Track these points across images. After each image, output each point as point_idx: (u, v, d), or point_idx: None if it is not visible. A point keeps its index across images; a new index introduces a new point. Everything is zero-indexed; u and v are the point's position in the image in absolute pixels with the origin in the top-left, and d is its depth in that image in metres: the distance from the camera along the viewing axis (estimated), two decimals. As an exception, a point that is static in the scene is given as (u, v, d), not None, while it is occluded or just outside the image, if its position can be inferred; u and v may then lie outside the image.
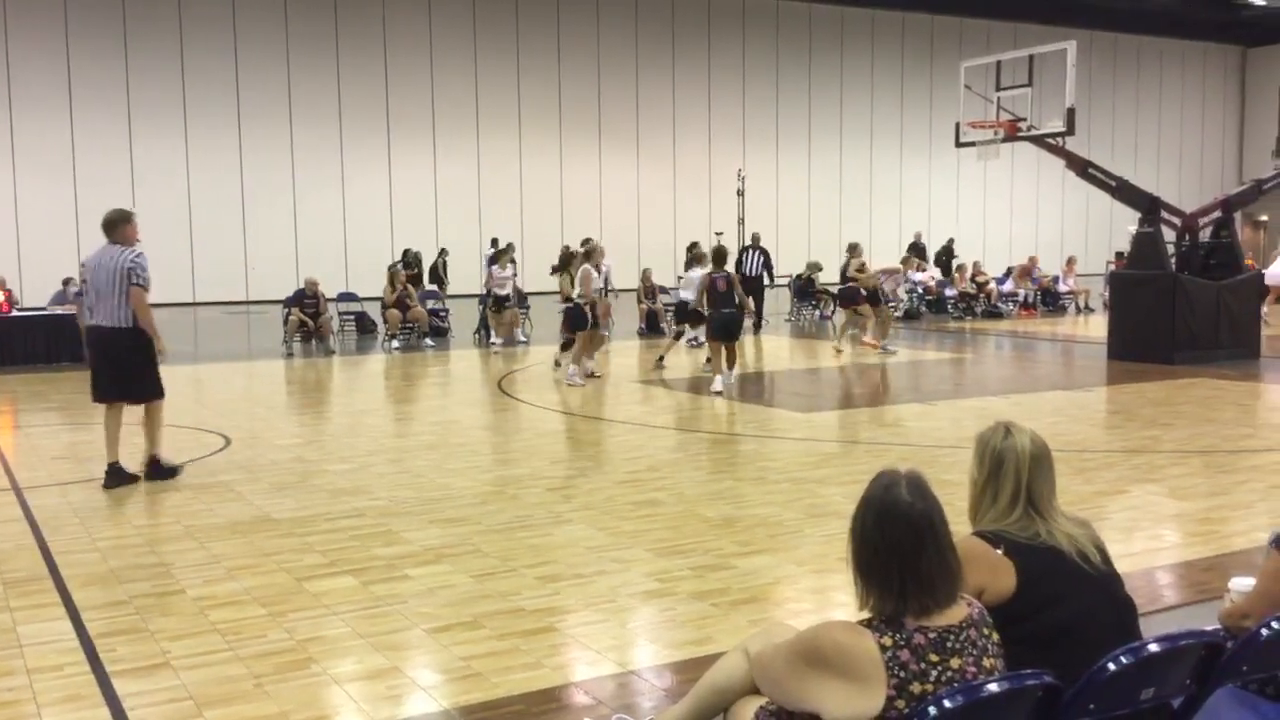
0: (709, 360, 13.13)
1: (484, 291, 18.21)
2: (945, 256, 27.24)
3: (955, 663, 2.48)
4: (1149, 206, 15.34)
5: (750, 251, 20.60)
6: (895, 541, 2.51)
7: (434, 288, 22.93)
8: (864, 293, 16.40)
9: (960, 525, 2.81)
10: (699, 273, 13.82)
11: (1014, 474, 2.95)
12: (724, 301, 12.48)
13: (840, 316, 17.81)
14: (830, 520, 6.60)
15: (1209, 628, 3.00)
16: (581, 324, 13.28)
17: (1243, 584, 3.38)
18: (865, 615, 2.59)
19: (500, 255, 17.44)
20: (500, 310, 17.35)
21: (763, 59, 33.70)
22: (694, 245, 15.83)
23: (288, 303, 18.15)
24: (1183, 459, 8.51)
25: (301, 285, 18.49)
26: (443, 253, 23.94)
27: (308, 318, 17.64)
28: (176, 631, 4.85)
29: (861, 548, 2.57)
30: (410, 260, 22.89)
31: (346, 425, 10.73)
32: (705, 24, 32.83)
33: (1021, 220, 37.42)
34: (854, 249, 16.98)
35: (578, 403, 11.77)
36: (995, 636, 2.61)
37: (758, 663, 2.86)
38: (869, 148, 35.48)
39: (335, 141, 28.63)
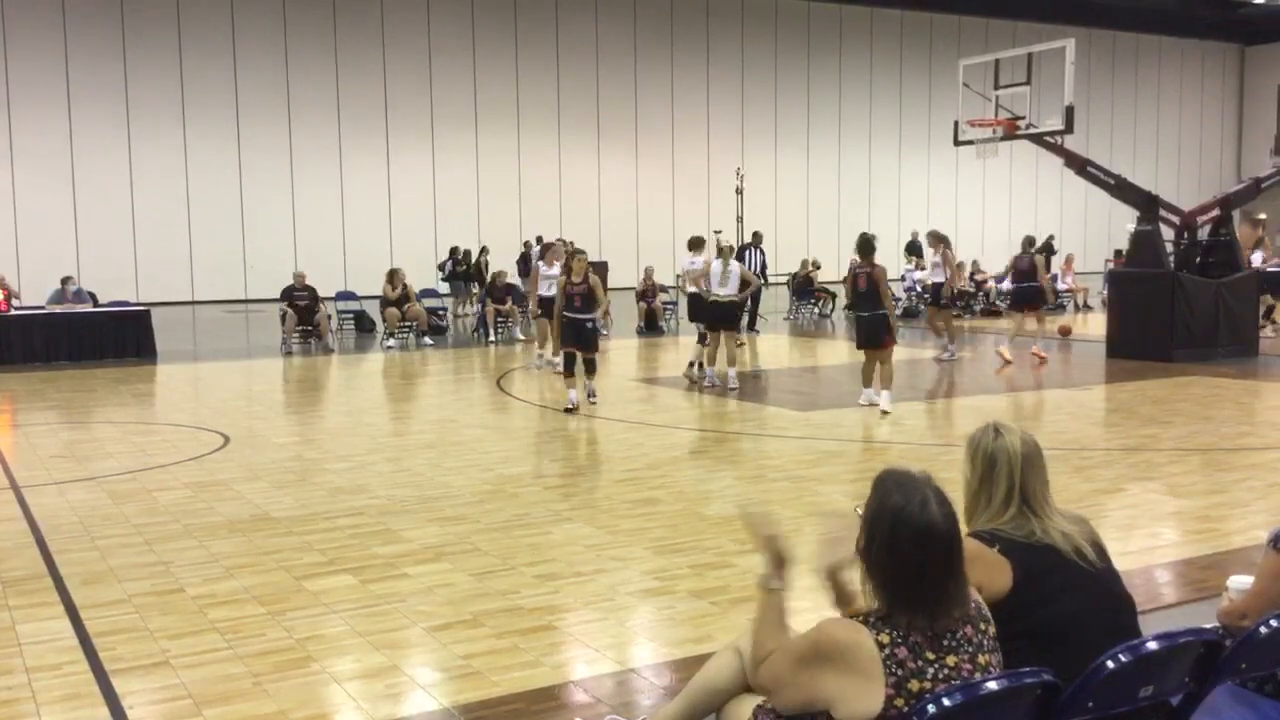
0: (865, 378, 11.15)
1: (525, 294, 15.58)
2: (1045, 253, 27.36)
3: (951, 660, 2.48)
4: (1147, 204, 15.34)
5: (751, 250, 20.58)
6: (930, 564, 2.49)
7: (475, 286, 23.00)
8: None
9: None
10: (734, 266, 12.49)
11: (1007, 474, 2.95)
12: (865, 302, 10.88)
13: (1018, 322, 15.49)
14: (829, 519, 6.60)
15: (1208, 626, 3.01)
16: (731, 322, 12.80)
17: (1241, 582, 3.39)
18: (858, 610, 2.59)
19: (547, 250, 14.91)
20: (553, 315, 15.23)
21: (761, 57, 33.68)
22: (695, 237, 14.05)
23: (281, 299, 18.07)
24: (1181, 457, 8.51)
25: (292, 281, 18.33)
26: (484, 251, 23.72)
27: (300, 310, 17.57)
28: (175, 630, 4.85)
29: (890, 562, 2.52)
30: (460, 258, 22.76)
31: (345, 424, 10.73)
32: (704, 22, 32.81)
33: (1020, 218, 37.39)
34: (1035, 244, 15.56)
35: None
36: (992, 630, 2.60)
37: (764, 682, 2.79)
38: (868, 146, 35.48)
39: (334, 140, 28.60)
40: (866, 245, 10.94)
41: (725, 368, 12.40)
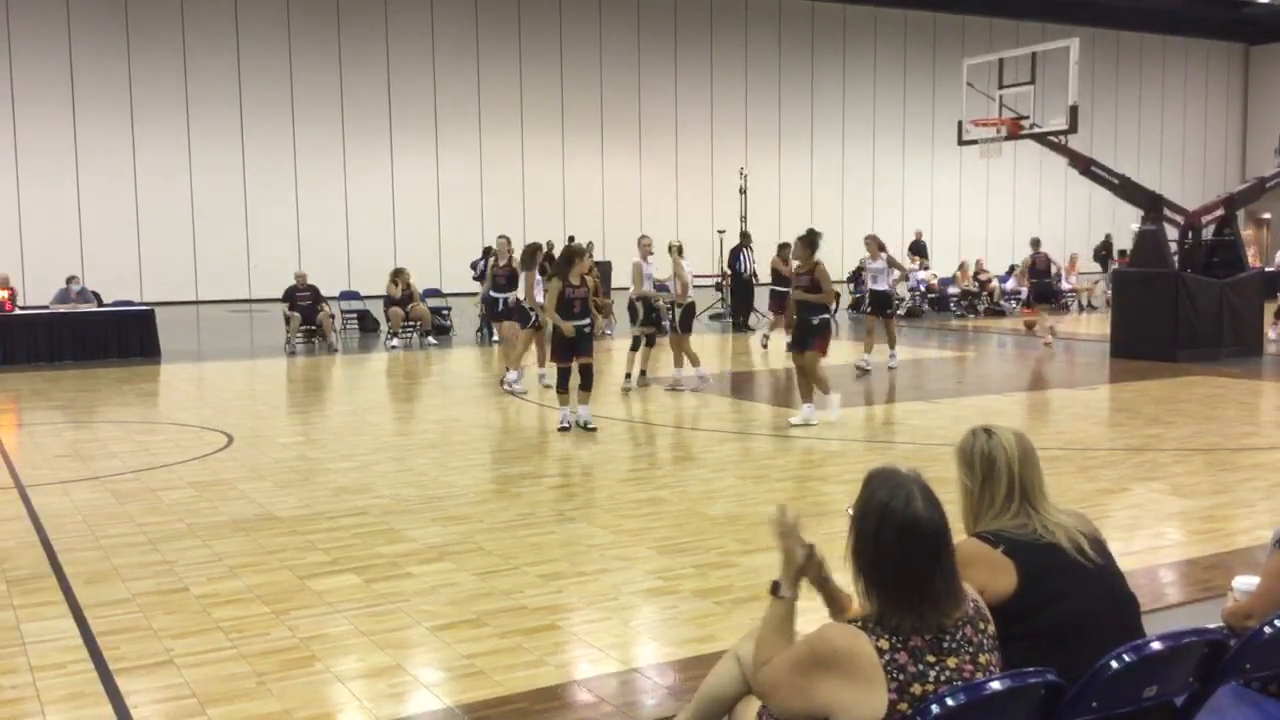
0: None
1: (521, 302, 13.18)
2: (1104, 251, 27.52)
3: (952, 662, 2.47)
4: (1152, 204, 15.33)
5: (745, 251, 20.64)
6: (914, 559, 2.48)
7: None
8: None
9: (958, 529, 2.80)
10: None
11: (1006, 471, 2.95)
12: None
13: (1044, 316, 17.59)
14: (833, 519, 6.59)
15: (1212, 626, 3.00)
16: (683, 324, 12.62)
17: (1246, 582, 3.39)
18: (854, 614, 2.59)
19: (530, 255, 12.87)
20: (541, 327, 12.56)
21: (765, 57, 33.66)
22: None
23: (283, 300, 18.06)
24: (1185, 457, 8.50)
25: (294, 281, 18.31)
26: None
27: (303, 311, 17.59)
28: (179, 629, 4.85)
29: (875, 558, 2.52)
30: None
31: (349, 423, 10.73)
32: (707, 22, 32.80)
33: (1024, 218, 37.35)
34: (1041, 243, 18.11)
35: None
36: (991, 629, 2.60)
37: (763, 688, 2.79)
38: (871, 146, 35.44)
39: (338, 140, 28.61)
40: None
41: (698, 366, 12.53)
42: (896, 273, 15.96)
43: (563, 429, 9.76)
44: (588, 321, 10.04)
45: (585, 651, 4.63)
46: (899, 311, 23.42)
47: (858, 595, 2.59)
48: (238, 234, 27.52)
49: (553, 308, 9.88)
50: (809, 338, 10.01)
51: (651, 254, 13.23)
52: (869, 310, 15.03)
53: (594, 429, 9.76)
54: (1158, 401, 11.24)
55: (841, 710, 2.45)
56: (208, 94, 27.07)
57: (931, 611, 2.48)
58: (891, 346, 14.44)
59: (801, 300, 10.12)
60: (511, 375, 12.43)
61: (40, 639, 4.74)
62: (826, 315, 10.18)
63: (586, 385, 9.93)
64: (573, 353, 9.83)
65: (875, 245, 14.80)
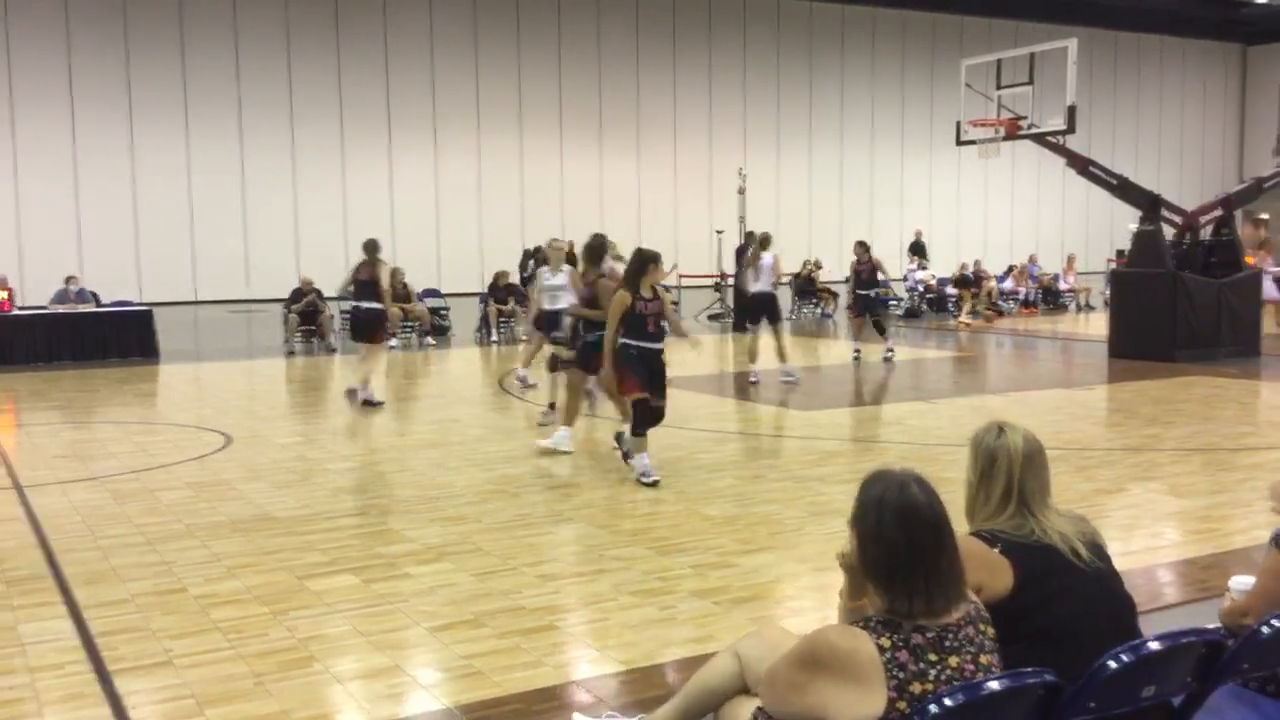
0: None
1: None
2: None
3: (954, 661, 2.47)
4: (1150, 205, 15.33)
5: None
6: (919, 543, 2.49)
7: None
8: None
9: (959, 526, 2.81)
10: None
11: (1005, 472, 2.95)
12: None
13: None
14: (832, 518, 6.60)
15: (1210, 626, 3.01)
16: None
17: (1243, 582, 3.39)
18: (855, 613, 2.59)
19: (539, 255, 11.93)
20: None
21: (764, 57, 33.67)
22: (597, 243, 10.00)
23: (287, 303, 18.09)
24: (1183, 457, 8.51)
25: (299, 285, 18.34)
26: (536, 250, 22.77)
27: (303, 312, 17.58)
28: (178, 630, 4.85)
29: (880, 550, 2.53)
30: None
31: (347, 424, 10.73)
32: (706, 22, 32.81)
33: (1022, 218, 37.40)
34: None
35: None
36: (991, 632, 2.60)
37: (764, 684, 2.80)
38: (870, 146, 35.45)
39: (337, 140, 28.60)
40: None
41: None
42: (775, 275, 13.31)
43: (654, 483, 7.61)
44: (663, 346, 8.05)
45: (584, 652, 4.63)
46: (897, 313, 23.58)
47: (859, 592, 2.60)
48: (237, 234, 27.50)
49: (615, 328, 7.81)
50: (589, 356, 8.85)
51: (563, 270, 10.75)
52: (748, 319, 13.00)
53: (655, 482, 7.61)
54: (1156, 402, 11.25)
55: (835, 711, 2.45)
56: (207, 94, 27.05)
57: (940, 594, 2.49)
58: (752, 359, 13.00)
59: (580, 315, 9.13)
60: (522, 372, 12.30)
61: (38, 639, 4.74)
62: (604, 333, 8.29)
63: (640, 426, 7.79)
64: (650, 385, 7.84)
65: (763, 242, 13.39)
